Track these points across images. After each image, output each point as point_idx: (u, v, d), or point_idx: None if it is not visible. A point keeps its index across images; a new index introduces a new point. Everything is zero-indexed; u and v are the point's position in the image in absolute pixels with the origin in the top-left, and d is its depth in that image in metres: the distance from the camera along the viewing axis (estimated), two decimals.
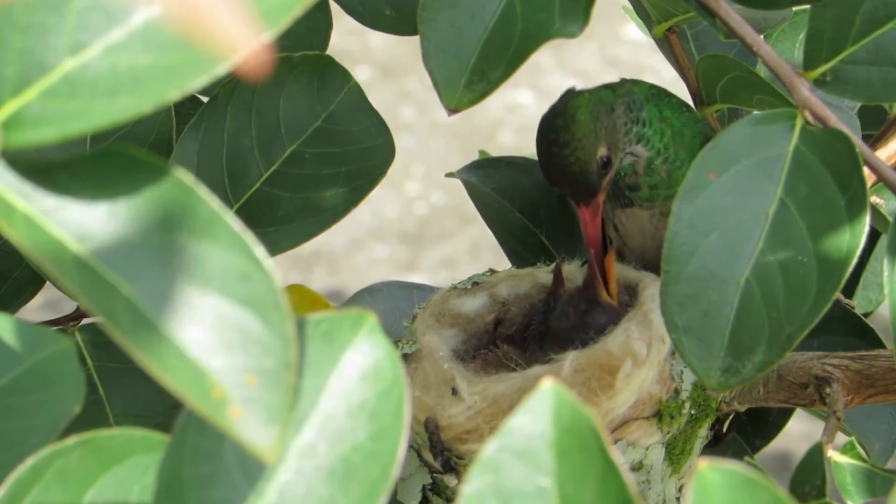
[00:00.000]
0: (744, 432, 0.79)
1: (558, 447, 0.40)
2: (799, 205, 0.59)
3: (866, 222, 0.58)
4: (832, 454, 0.71)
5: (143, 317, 0.39)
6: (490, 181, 0.82)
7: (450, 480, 0.70)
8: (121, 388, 0.73)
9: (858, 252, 0.58)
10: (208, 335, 0.39)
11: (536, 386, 0.40)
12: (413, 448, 0.72)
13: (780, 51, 0.82)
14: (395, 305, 0.81)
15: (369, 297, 0.82)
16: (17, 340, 0.46)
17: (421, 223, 2.33)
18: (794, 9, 0.78)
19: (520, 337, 0.76)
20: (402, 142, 2.37)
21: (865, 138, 0.77)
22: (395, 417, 0.42)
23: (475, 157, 0.88)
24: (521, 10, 0.60)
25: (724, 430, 0.77)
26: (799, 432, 1.94)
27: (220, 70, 0.39)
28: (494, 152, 0.94)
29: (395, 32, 0.73)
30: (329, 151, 0.73)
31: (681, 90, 0.77)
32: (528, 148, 0.73)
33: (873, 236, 0.86)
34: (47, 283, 0.76)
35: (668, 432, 0.70)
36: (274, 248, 0.72)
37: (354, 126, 0.73)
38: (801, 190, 0.59)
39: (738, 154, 0.60)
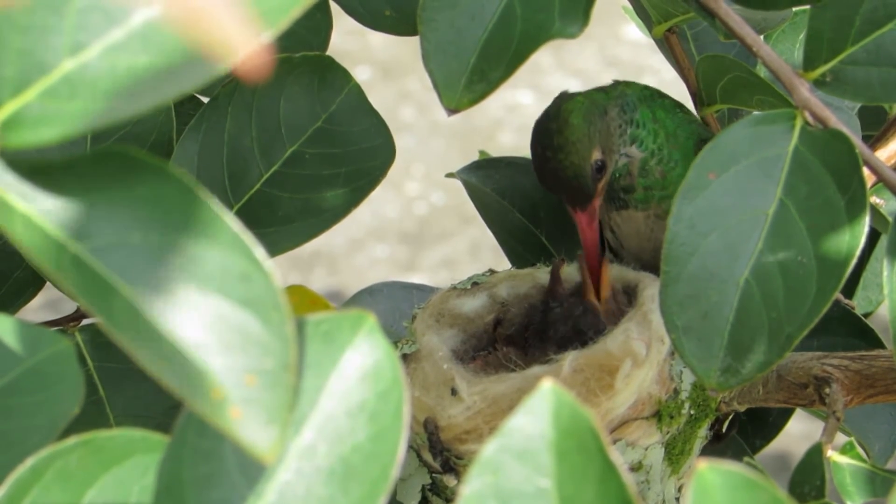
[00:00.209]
0: (744, 432, 0.79)
1: (558, 448, 0.40)
2: (799, 205, 0.59)
3: (866, 223, 0.58)
4: (832, 454, 0.71)
5: (142, 317, 0.39)
6: (490, 181, 0.82)
7: (449, 481, 0.70)
8: (121, 388, 0.73)
9: (858, 252, 0.58)
10: (208, 335, 0.39)
11: (536, 386, 0.40)
12: (413, 448, 0.72)
13: (779, 51, 0.82)
14: (395, 306, 0.81)
15: (369, 297, 0.82)
16: (17, 341, 0.46)
17: (421, 223, 2.33)
18: (794, 9, 0.78)
19: (519, 337, 0.76)
20: (402, 142, 2.37)
21: (865, 138, 0.77)
22: (395, 418, 0.42)
23: (475, 157, 0.88)
24: (520, 10, 0.60)
25: (724, 429, 0.77)
26: (799, 432, 1.94)
27: (220, 70, 0.39)
28: (494, 152, 0.94)
29: (395, 33, 0.73)
30: (329, 152, 0.73)
31: (681, 90, 0.77)
32: (527, 148, 0.72)
33: (873, 236, 0.86)
34: (47, 283, 0.76)
35: (668, 432, 0.70)
36: (274, 249, 0.72)
37: (355, 126, 0.73)
38: (800, 190, 0.59)
39: (737, 154, 0.60)
